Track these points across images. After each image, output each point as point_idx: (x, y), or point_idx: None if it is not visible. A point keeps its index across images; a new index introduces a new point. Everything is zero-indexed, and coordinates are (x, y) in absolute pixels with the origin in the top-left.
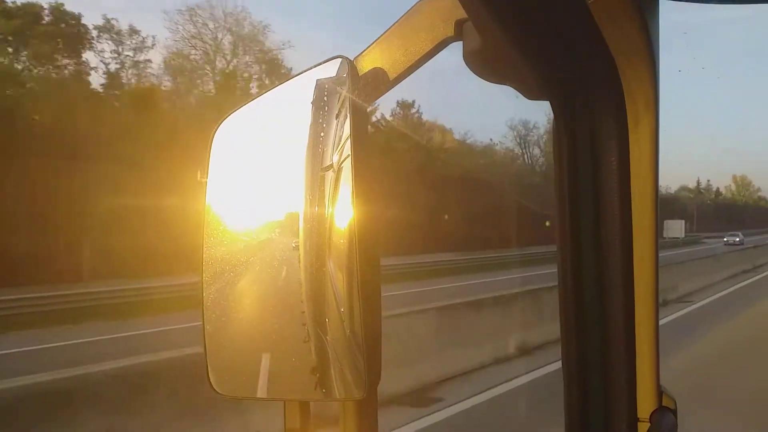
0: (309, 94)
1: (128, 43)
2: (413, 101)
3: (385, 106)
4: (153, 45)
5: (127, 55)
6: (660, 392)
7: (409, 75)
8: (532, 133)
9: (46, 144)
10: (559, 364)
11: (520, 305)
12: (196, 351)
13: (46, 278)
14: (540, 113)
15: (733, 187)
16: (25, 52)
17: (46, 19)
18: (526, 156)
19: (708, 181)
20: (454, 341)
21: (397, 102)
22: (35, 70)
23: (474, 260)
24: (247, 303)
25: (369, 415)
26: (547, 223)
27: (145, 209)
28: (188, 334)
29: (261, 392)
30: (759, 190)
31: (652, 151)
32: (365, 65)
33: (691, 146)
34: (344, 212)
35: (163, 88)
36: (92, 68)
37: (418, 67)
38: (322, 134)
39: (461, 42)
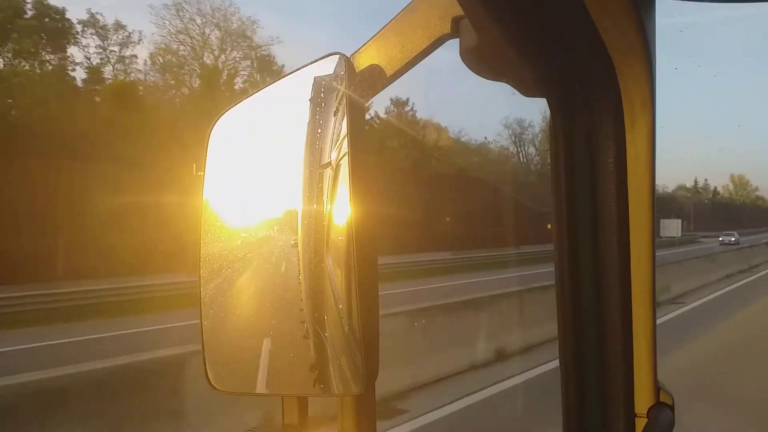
0: (306, 91)
1: (114, 38)
2: (407, 99)
3: (379, 104)
4: (140, 40)
5: (113, 51)
6: (657, 388)
7: (406, 72)
8: (527, 132)
9: (26, 140)
10: (538, 370)
11: (507, 306)
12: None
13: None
14: (535, 111)
15: (731, 187)
16: (7, 47)
17: (29, 13)
18: (521, 154)
19: (706, 180)
20: (432, 346)
21: (391, 100)
22: (18, 66)
23: (467, 259)
24: (246, 300)
25: (367, 409)
26: (549, 226)
27: (127, 205)
28: (191, 332)
29: (259, 388)
30: (757, 189)
31: (648, 148)
32: (362, 62)
33: (689, 146)
34: (342, 210)
35: (149, 83)
36: (77, 63)
37: (415, 64)
38: (319, 131)
39: (458, 39)
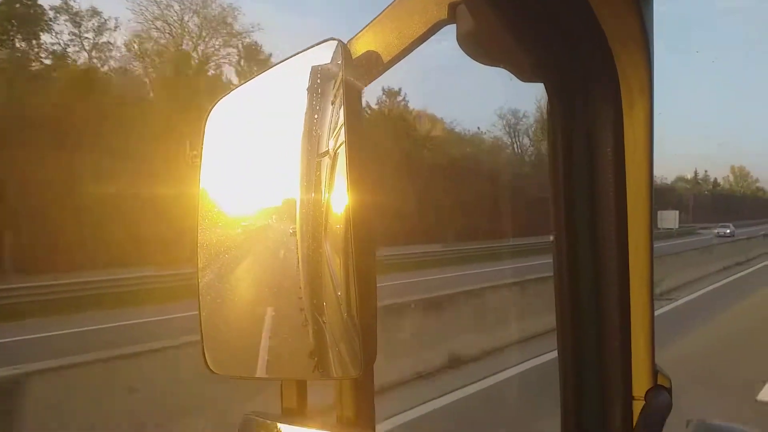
0: (302, 78)
1: (88, 24)
2: (399, 89)
3: (370, 95)
4: (116, 27)
5: (87, 38)
6: (655, 371)
7: (403, 58)
8: (521, 122)
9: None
10: (498, 377)
11: (487, 302)
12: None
13: None
14: (530, 102)
15: (731, 178)
16: None
17: None
18: (515, 145)
19: (706, 171)
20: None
21: (383, 90)
22: None
23: (457, 252)
24: (243, 286)
25: (365, 392)
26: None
27: (105, 196)
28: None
29: (257, 372)
30: (757, 181)
31: (646, 134)
32: (358, 48)
33: (689, 137)
34: (340, 198)
35: (123, 71)
36: (50, 51)
37: (412, 50)
38: (316, 117)
39: (455, 25)
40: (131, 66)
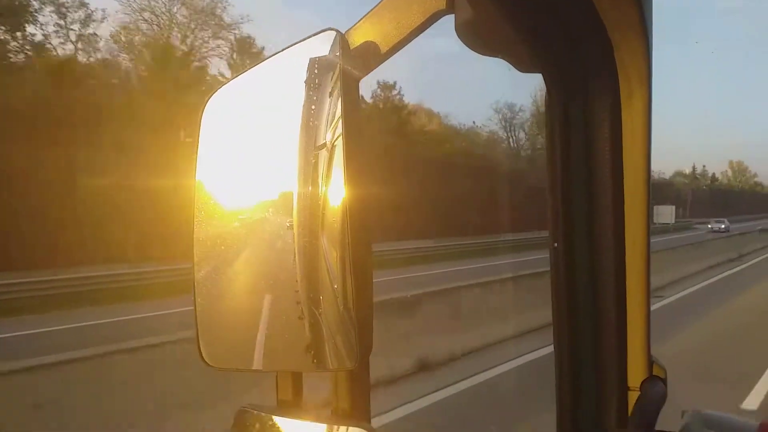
0: (300, 69)
1: (74, 16)
2: (395, 83)
3: (365, 88)
4: (103, 19)
5: (72, 30)
6: (650, 362)
7: (401, 48)
8: (518, 117)
9: None
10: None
11: (463, 301)
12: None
13: None
14: (526, 96)
15: (730, 173)
16: None
17: None
18: (511, 140)
19: (704, 166)
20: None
21: (378, 83)
22: None
23: (449, 248)
24: (240, 280)
25: (361, 385)
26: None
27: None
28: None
29: (253, 364)
30: (755, 175)
31: (644, 126)
32: (356, 39)
33: (688, 131)
34: (337, 191)
35: (109, 63)
36: (34, 43)
37: (410, 41)
38: (313, 109)
39: (453, 15)
40: (118, 58)
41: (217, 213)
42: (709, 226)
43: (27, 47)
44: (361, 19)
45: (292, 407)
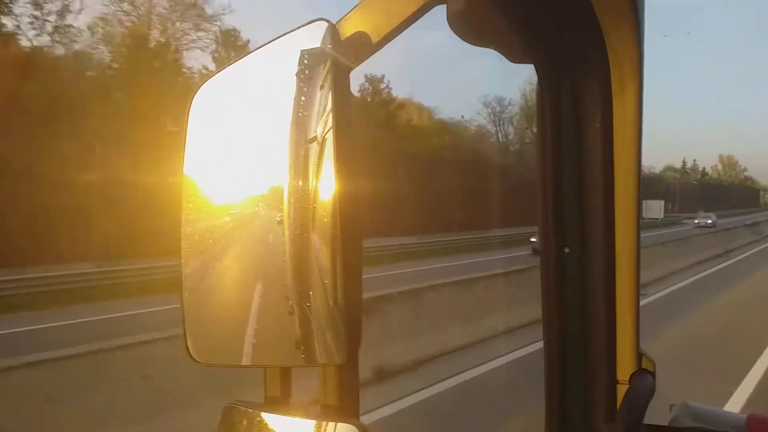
0: (290, 60)
1: (50, 7)
2: (383, 75)
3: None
4: (80, 10)
5: (48, 21)
6: (639, 355)
7: (392, 39)
8: (507, 110)
9: None
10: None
11: (427, 303)
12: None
13: None
14: (517, 90)
15: (720, 168)
16: None
17: None
18: (500, 134)
19: (695, 161)
20: None
21: (366, 76)
22: None
23: (433, 244)
24: (229, 276)
25: (350, 381)
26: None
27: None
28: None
29: (241, 360)
30: (745, 170)
31: (636, 116)
32: (347, 29)
33: (679, 125)
34: (328, 185)
35: (85, 54)
36: (7, 34)
37: (401, 32)
38: (303, 101)
39: (445, 5)
40: (95, 50)
41: (205, 208)
42: (696, 221)
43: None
44: (351, 9)
45: (280, 403)
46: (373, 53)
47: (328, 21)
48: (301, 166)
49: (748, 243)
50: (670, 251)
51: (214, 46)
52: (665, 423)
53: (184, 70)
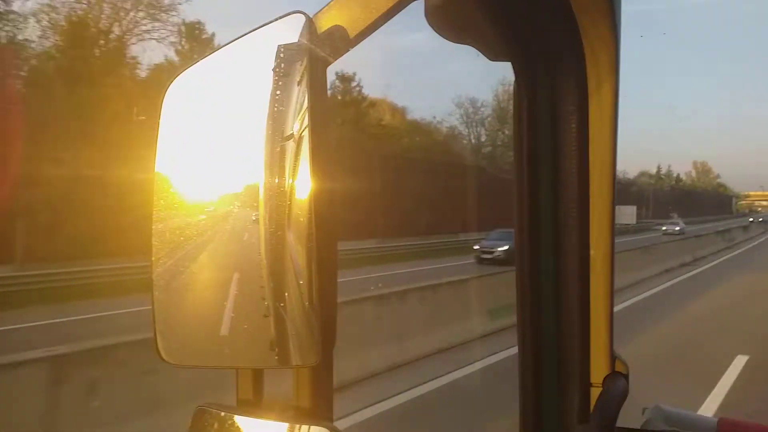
0: (264, 54)
1: None
2: (354, 73)
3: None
4: None
5: None
6: (613, 358)
7: (370, 35)
8: (480, 112)
9: None
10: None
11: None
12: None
13: None
14: (488, 92)
15: (694, 174)
16: None
17: None
18: (471, 136)
19: (669, 166)
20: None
21: (337, 74)
22: None
23: (393, 249)
24: (202, 275)
25: (324, 383)
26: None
27: None
28: None
29: (212, 361)
30: (718, 177)
31: (612, 114)
32: (324, 23)
33: (654, 130)
34: (304, 184)
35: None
36: None
37: (380, 26)
38: (278, 95)
39: (423, 0)
40: (41, 39)
41: (178, 205)
42: (663, 228)
43: None
44: (328, 2)
45: (252, 406)
46: (351, 48)
47: (304, 14)
48: (276, 163)
49: (719, 250)
50: (636, 260)
51: (175, 38)
52: (638, 426)
53: (128, 60)
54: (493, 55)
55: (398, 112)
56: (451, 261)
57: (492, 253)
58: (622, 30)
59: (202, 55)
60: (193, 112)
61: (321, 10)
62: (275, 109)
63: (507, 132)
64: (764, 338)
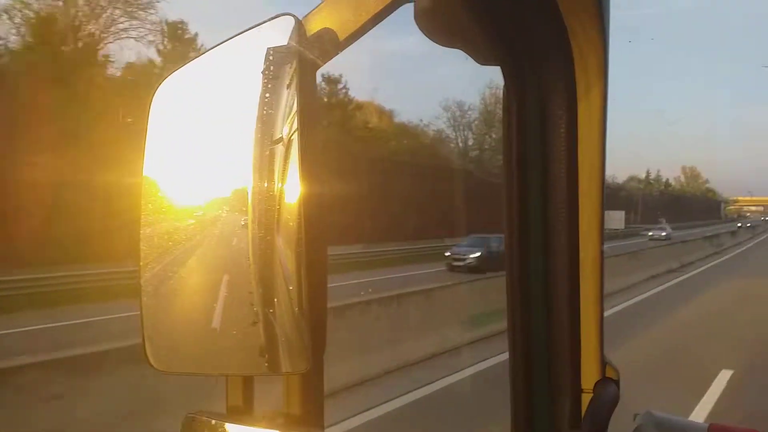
0: (253, 56)
1: None
2: (341, 75)
3: None
4: None
5: None
6: (604, 364)
7: (360, 38)
8: (467, 116)
9: None
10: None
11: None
12: None
13: None
14: (476, 95)
15: (683, 179)
16: None
17: None
18: (459, 140)
19: (658, 171)
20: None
21: (323, 76)
22: None
23: (379, 254)
24: (191, 281)
25: (315, 390)
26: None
27: None
28: None
29: (202, 368)
30: (707, 182)
31: (600, 118)
32: (314, 25)
33: (643, 135)
34: (293, 188)
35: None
36: None
37: (369, 29)
38: (268, 98)
39: (413, 4)
40: (14, 36)
41: (166, 210)
42: (650, 233)
43: None
44: (318, 5)
45: (242, 413)
46: (341, 51)
47: (294, 16)
48: (266, 167)
49: (707, 256)
50: (623, 266)
51: (155, 38)
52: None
53: (100, 57)
54: (483, 59)
55: (386, 115)
56: (436, 267)
57: (464, 260)
58: (610, 34)
59: (191, 58)
60: (182, 115)
61: (311, 12)
62: (264, 112)
63: (494, 135)
64: (752, 343)
